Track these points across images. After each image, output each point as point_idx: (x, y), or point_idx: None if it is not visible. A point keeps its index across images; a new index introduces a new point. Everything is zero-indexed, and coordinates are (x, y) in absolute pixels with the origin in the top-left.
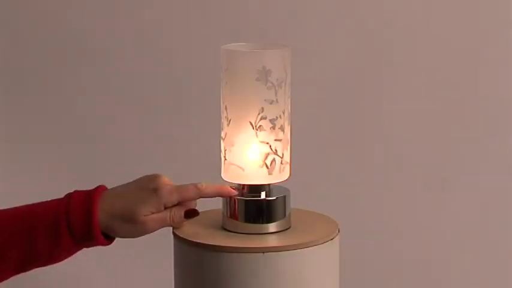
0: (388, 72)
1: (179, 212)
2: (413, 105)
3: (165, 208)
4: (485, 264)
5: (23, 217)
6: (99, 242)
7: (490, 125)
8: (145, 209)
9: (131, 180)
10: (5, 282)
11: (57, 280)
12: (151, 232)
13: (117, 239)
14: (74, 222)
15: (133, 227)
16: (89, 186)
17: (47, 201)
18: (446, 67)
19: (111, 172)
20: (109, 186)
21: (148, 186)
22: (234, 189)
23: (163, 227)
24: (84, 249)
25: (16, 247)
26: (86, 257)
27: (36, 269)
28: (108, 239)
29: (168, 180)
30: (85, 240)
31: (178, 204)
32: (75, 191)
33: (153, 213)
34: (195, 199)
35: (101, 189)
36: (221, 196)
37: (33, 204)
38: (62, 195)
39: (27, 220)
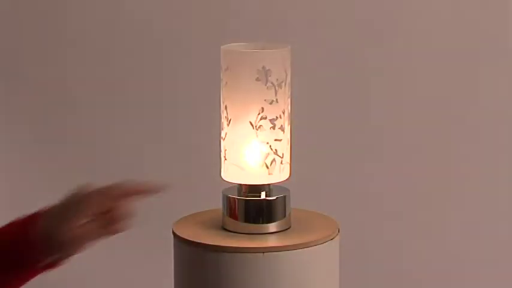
0: (388, 72)
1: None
2: (414, 105)
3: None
4: (485, 264)
5: None
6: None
7: (491, 126)
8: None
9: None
10: None
11: (57, 280)
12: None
13: (117, 240)
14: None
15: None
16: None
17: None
18: (447, 67)
19: (111, 172)
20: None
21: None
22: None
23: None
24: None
25: None
26: (86, 257)
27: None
28: None
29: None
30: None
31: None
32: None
33: None
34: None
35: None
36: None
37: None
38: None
39: None
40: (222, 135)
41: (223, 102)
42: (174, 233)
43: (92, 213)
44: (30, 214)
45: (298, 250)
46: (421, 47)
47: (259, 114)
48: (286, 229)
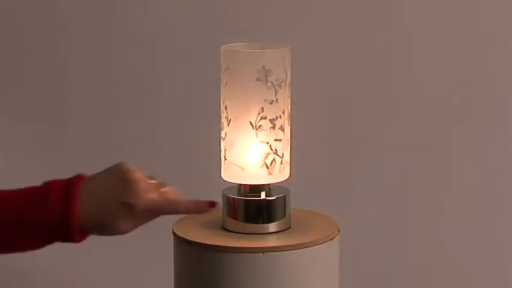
0: (388, 72)
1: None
2: (415, 105)
3: None
4: (486, 265)
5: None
6: (77, 242)
7: (492, 126)
8: (124, 226)
9: (109, 169)
10: (2, 281)
11: (56, 280)
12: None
13: (117, 239)
14: (53, 227)
15: (110, 234)
16: None
17: (22, 193)
18: (447, 67)
19: None
20: None
21: (125, 199)
22: (213, 203)
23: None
24: (84, 250)
25: None
26: (86, 257)
27: (34, 269)
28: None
29: (143, 179)
30: (62, 239)
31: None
32: (51, 185)
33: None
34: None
35: (77, 188)
36: (196, 213)
37: (8, 194)
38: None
39: (4, 214)
40: (222, 135)
41: (223, 102)
42: (174, 233)
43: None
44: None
45: (298, 250)
46: (421, 46)
47: (259, 114)
48: (286, 229)
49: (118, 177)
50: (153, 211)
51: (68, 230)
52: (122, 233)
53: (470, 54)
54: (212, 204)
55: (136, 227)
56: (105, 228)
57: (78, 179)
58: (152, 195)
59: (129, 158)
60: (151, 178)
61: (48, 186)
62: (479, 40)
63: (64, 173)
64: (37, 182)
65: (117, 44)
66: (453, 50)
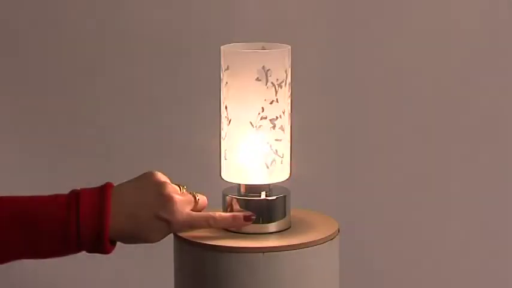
0: (389, 72)
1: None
2: (415, 105)
3: None
4: (486, 265)
5: (26, 216)
6: (107, 252)
7: (493, 127)
8: (156, 238)
9: (139, 180)
10: (6, 282)
11: (56, 280)
12: None
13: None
14: (84, 240)
15: (140, 243)
16: (90, 183)
17: (50, 202)
18: (450, 68)
19: (111, 172)
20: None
21: (160, 214)
22: (248, 215)
23: None
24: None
25: (19, 246)
26: (85, 257)
27: (34, 269)
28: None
29: (177, 192)
30: (93, 251)
31: None
32: (82, 192)
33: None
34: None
35: (109, 201)
36: (235, 228)
37: (35, 201)
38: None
39: (31, 222)
40: (222, 135)
41: (223, 102)
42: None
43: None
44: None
45: (298, 250)
46: (422, 46)
47: (259, 114)
48: (286, 229)
49: (151, 191)
50: (188, 226)
51: (100, 243)
52: (153, 242)
53: (471, 54)
54: (248, 218)
55: (167, 235)
56: (137, 239)
57: (108, 190)
58: (187, 210)
59: (128, 158)
60: (180, 187)
61: (78, 196)
62: (479, 40)
63: (64, 173)
64: (38, 182)
65: (117, 44)
66: (453, 50)
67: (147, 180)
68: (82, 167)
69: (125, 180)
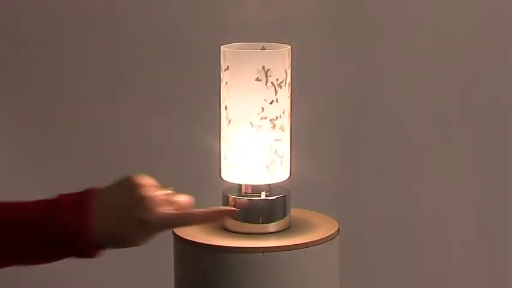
0: (389, 71)
1: None
2: (415, 105)
3: None
4: (485, 265)
5: (10, 222)
6: (92, 257)
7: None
8: (138, 240)
9: (117, 183)
10: (4, 280)
11: (56, 279)
12: None
13: None
14: (68, 245)
15: (124, 247)
16: (90, 183)
17: (33, 207)
18: (452, 69)
19: (110, 172)
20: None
21: (138, 216)
22: (230, 210)
23: None
24: None
25: (6, 252)
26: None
27: (33, 269)
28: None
29: (154, 193)
30: (77, 255)
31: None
32: (64, 200)
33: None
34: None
35: (91, 205)
36: (213, 221)
37: (19, 207)
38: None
39: (15, 228)
40: (222, 135)
41: (223, 102)
42: (174, 233)
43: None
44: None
45: (298, 250)
46: (422, 46)
47: (259, 114)
48: (286, 229)
49: (129, 194)
50: (167, 225)
51: (83, 247)
52: (136, 245)
53: (471, 55)
54: (223, 212)
55: (150, 239)
56: (120, 243)
57: (90, 194)
58: (164, 209)
59: (128, 158)
60: (164, 187)
61: (61, 201)
62: (479, 40)
63: (64, 172)
64: (38, 182)
65: (117, 44)
66: (453, 50)
67: (125, 183)
68: (82, 167)
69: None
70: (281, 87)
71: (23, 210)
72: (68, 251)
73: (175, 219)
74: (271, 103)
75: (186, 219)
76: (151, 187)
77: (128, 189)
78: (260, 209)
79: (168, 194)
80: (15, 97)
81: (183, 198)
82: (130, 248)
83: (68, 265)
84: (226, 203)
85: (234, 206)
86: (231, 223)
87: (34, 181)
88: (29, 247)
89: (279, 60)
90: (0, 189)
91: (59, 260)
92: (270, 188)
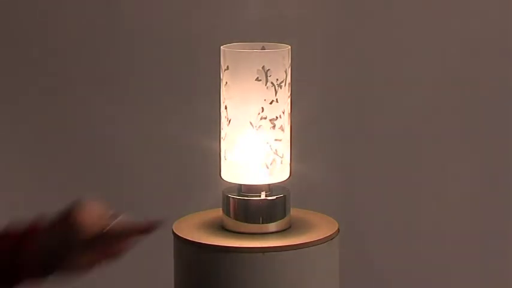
0: (389, 72)
1: None
2: (415, 105)
3: None
4: (486, 265)
5: None
6: None
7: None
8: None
9: None
10: None
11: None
12: None
13: None
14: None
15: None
16: (90, 183)
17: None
18: (452, 69)
19: (110, 172)
20: (110, 187)
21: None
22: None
23: None
24: None
25: None
26: None
27: None
28: None
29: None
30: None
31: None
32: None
33: None
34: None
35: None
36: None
37: None
38: (57, 195)
39: None
40: (222, 135)
41: (223, 102)
42: (174, 233)
43: (86, 236)
44: (26, 229)
45: (298, 250)
46: (422, 46)
47: (259, 114)
48: (286, 229)
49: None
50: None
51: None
52: (84, 270)
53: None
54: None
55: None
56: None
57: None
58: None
59: (128, 159)
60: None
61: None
62: (479, 40)
63: (64, 173)
64: (38, 182)
65: (117, 44)
66: (453, 50)
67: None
68: (82, 167)
69: (124, 180)
70: (281, 87)
71: None
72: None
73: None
74: (271, 103)
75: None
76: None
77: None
78: (260, 209)
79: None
80: (15, 97)
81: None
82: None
83: None
84: (226, 203)
85: (233, 206)
86: (231, 223)
87: (34, 181)
88: None
89: (279, 60)
90: (0, 189)
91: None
92: (270, 188)
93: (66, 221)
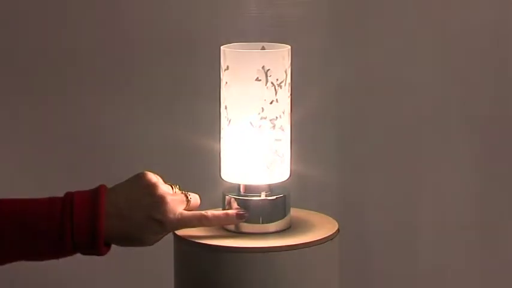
0: (389, 72)
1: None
2: (415, 105)
3: None
4: (486, 265)
5: (23, 218)
6: (101, 254)
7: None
8: (152, 239)
9: (130, 181)
10: (5, 280)
11: (55, 279)
12: None
13: None
14: (79, 242)
15: (137, 246)
16: (90, 183)
17: (45, 204)
18: (452, 69)
19: (110, 172)
20: (109, 185)
21: (153, 215)
22: (240, 213)
23: None
24: None
25: (16, 247)
26: (84, 256)
27: (32, 268)
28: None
29: (168, 193)
30: (87, 252)
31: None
32: (76, 195)
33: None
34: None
35: (103, 202)
36: (228, 225)
37: (31, 204)
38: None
39: (28, 224)
40: (222, 135)
41: (223, 102)
42: (174, 233)
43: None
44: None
45: (298, 250)
46: (421, 46)
47: (259, 114)
48: (286, 229)
49: (143, 192)
50: (183, 226)
51: (95, 245)
52: (148, 245)
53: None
54: (241, 216)
55: (162, 237)
56: (131, 241)
57: (101, 192)
58: (180, 210)
59: (128, 159)
60: (173, 186)
61: (72, 199)
62: (479, 40)
63: (64, 173)
64: (38, 182)
65: (117, 44)
66: (453, 50)
67: (138, 182)
68: (82, 167)
69: (123, 179)
70: (281, 87)
71: (34, 207)
72: (78, 249)
73: (189, 221)
74: (271, 103)
75: (199, 221)
76: (164, 186)
77: (141, 188)
78: (260, 209)
79: (180, 194)
80: (15, 97)
81: (194, 197)
82: (130, 248)
83: (67, 264)
84: (226, 203)
85: (234, 206)
86: None
87: (34, 181)
88: (41, 243)
89: (279, 60)
90: (0, 190)
91: (67, 256)
92: (270, 188)
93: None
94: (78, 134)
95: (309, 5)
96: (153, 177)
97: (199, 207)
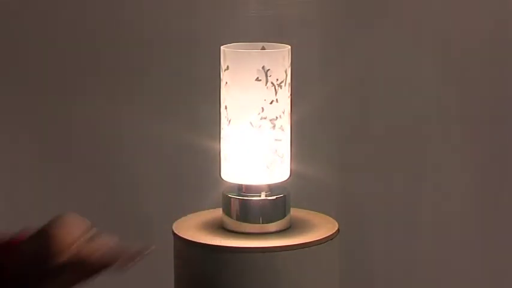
0: (388, 72)
1: None
2: (415, 106)
3: None
4: (486, 265)
5: None
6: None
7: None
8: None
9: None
10: None
11: None
12: None
13: None
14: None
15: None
16: (90, 183)
17: None
18: (452, 69)
19: (110, 173)
20: (110, 187)
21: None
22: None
23: None
24: None
25: None
26: None
27: None
28: None
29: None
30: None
31: None
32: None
33: None
34: None
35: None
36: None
37: None
38: (57, 196)
39: None
40: (222, 135)
41: (223, 102)
42: (174, 233)
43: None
44: (5, 242)
45: (298, 250)
46: (422, 46)
47: (259, 114)
48: (286, 229)
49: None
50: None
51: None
52: None
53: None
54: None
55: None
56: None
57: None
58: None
59: (128, 159)
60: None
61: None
62: (479, 40)
63: (65, 173)
64: (37, 182)
65: (117, 44)
66: (453, 50)
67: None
68: (82, 167)
69: (124, 180)
70: (281, 87)
71: None
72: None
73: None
74: (271, 103)
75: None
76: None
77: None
78: (260, 209)
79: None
80: (15, 97)
81: (104, 239)
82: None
83: None
84: (226, 203)
85: (233, 206)
86: (230, 223)
87: (33, 181)
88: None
89: (279, 60)
90: (0, 190)
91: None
92: (270, 188)
93: (43, 237)
94: (77, 134)
95: (309, 5)
96: (56, 230)
97: None
